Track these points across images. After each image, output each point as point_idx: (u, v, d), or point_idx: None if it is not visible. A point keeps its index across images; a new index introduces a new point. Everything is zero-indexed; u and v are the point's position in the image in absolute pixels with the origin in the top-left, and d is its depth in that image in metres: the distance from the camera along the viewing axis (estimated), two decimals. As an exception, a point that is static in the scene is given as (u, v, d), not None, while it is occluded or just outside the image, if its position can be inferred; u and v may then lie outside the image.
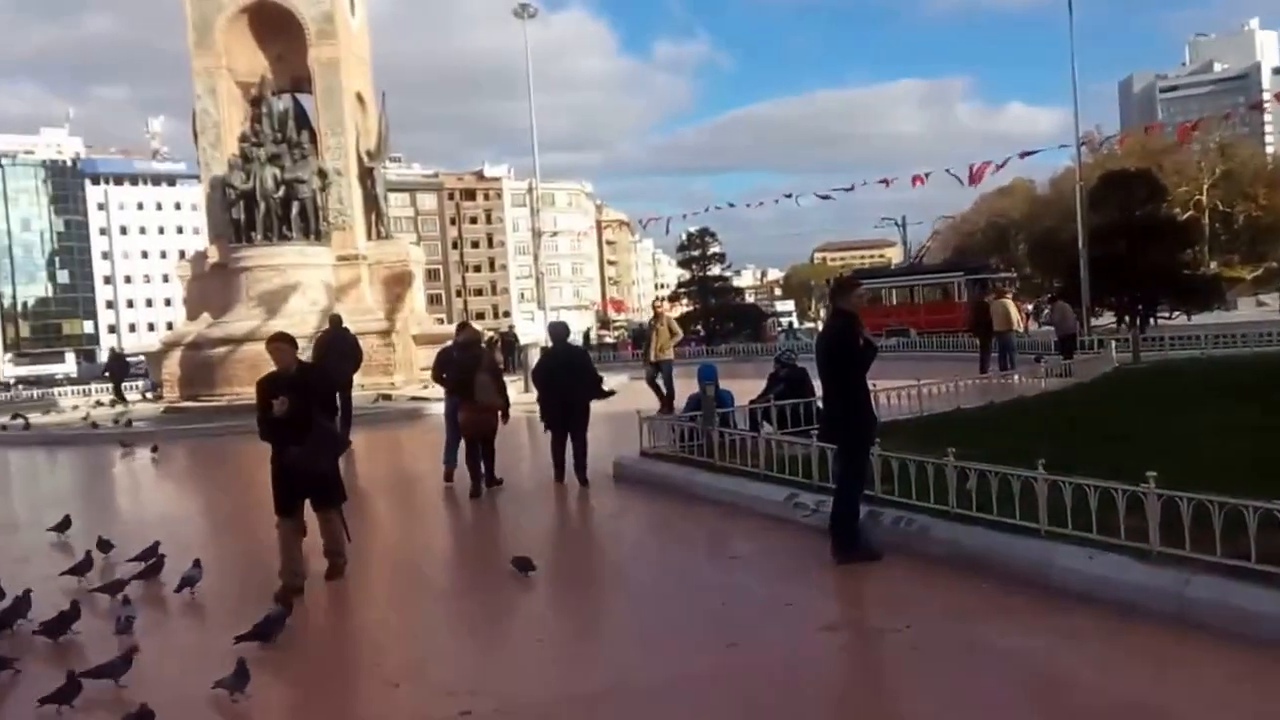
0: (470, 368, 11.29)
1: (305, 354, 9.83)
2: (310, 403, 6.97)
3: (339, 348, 16.71)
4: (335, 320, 17.76)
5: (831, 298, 7.98)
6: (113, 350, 43.83)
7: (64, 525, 9.46)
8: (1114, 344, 22.62)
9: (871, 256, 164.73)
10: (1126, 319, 39.87)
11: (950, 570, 6.66)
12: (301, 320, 25.43)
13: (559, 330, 12.65)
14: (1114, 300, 40.69)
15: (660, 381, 17.85)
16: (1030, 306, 51.34)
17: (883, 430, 9.60)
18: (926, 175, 30.89)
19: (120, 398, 30.58)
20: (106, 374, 35.28)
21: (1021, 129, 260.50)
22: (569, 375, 11.47)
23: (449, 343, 13.22)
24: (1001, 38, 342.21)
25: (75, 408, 29.27)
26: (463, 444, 11.44)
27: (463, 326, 13.42)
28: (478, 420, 11.06)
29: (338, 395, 16.79)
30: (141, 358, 41.54)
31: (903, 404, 13.22)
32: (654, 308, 23.29)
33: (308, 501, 7.19)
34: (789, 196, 30.01)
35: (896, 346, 32.21)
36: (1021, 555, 6.40)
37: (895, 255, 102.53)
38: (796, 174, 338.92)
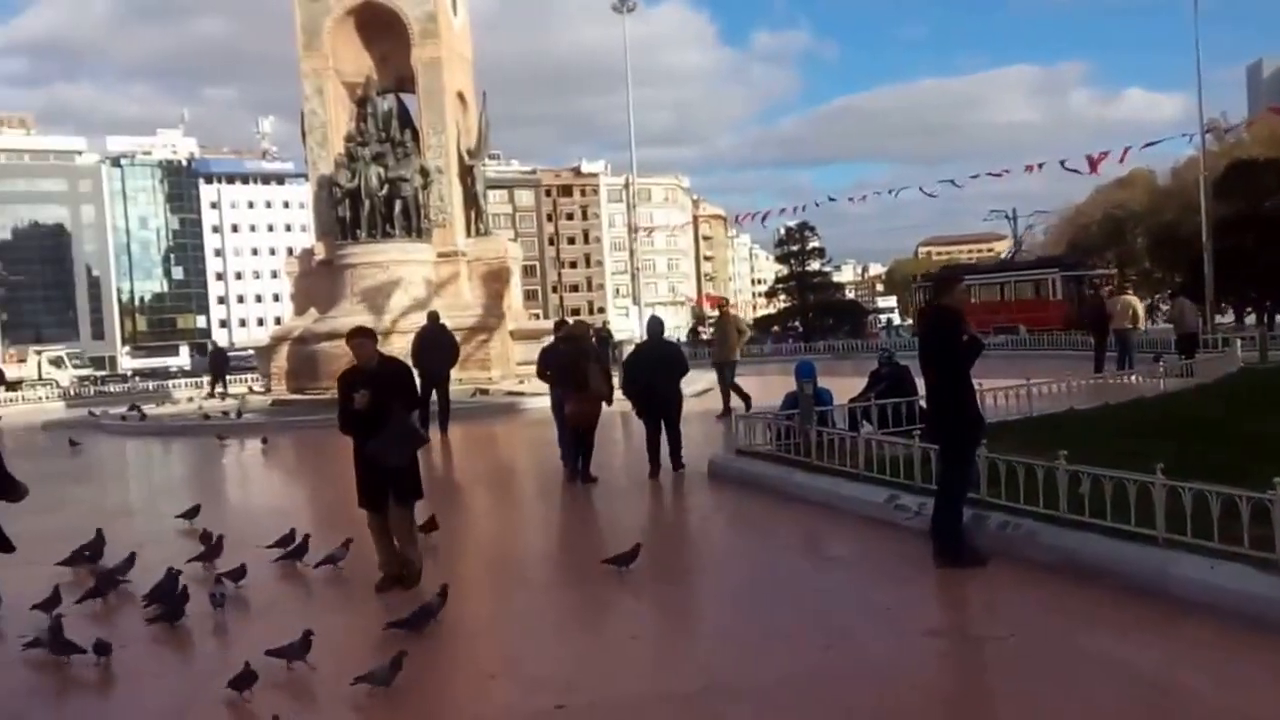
0: (578, 360, 11.61)
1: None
2: (389, 397, 6.91)
3: (436, 343, 17.12)
4: (433, 316, 18.45)
5: (934, 293, 7.73)
6: (212, 345, 45.27)
7: (192, 513, 9.64)
8: (1239, 343, 21.66)
9: (979, 251, 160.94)
10: (1252, 316, 38.22)
11: (1059, 577, 6.42)
12: (403, 315, 25.97)
13: (655, 326, 12.81)
14: (1239, 297, 39.02)
15: (732, 382, 17.35)
16: (1144, 303, 49.54)
17: (990, 431, 9.33)
18: (1040, 165, 29.64)
19: (217, 391, 31.41)
20: (208, 368, 36.37)
21: (1140, 116, 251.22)
22: (662, 368, 11.75)
23: (549, 339, 13.53)
24: (1120, 21, 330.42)
25: (190, 399, 30.29)
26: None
27: (560, 324, 13.86)
28: (584, 411, 11.39)
29: (435, 389, 17.27)
30: (250, 351, 42.84)
31: (1011, 404, 12.83)
32: (720, 308, 22.98)
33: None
34: (891, 192, 29.24)
35: (1005, 344, 31.47)
36: (1136, 563, 6.14)
37: (1004, 249, 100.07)
38: (900, 165, 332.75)
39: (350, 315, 25.94)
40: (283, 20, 29.32)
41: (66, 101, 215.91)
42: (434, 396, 17.44)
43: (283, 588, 7.41)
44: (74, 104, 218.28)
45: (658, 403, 11.60)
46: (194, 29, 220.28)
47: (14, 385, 45.54)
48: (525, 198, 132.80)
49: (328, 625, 5.76)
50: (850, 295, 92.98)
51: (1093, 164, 29.25)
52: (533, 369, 27.33)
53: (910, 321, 53.19)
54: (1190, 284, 33.78)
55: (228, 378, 33.68)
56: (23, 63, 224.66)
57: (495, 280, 28.60)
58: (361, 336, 7.23)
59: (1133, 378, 16.59)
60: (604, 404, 11.60)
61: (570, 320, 14.33)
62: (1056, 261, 47.48)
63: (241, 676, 4.89)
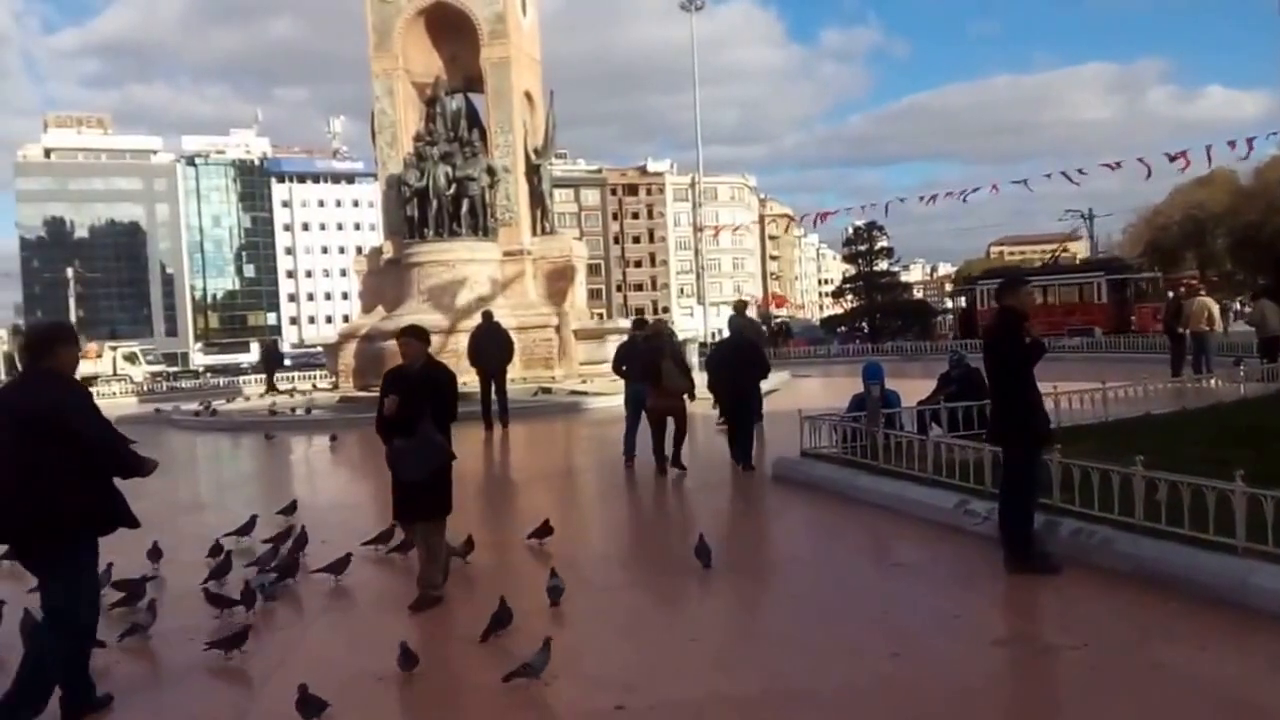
0: (656, 356, 12.09)
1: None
2: (422, 404, 6.51)
3: (493, 340, 17.48)
4: (487, 315, 18.72)
5: (998, 295, 7.56)
6: (266, 342, 46.07)
7: (290, 509, 9.56)
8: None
9: (1054, 251, 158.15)
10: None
11: (1134, 586, 6.25)
12: (468, 314, 26.20)
13: (737, 323, 13.97)
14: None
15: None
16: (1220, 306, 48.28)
17: (1064, 435, 9.26)
18: (1118, 164, 28.74)
19: (272, 388, 31.84)
20: (264, 365, 36.89)
21: (1220, 115, 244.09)
22: (744, 367, 12.24)
23: (624, 337, 13.75)
24: (1200, 17, 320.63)
25: (262, 395, 30.86)
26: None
27: (641, 322, 14.58)
28: (665, 404, 11.82)
29: (493, 385, 17.45)
30: (319, 348, 43.49)
31: (1086, 408, 12.53)
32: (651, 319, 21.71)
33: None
34: (962, 193, 28.72)
35: (1080, 346, 30.90)
36: (1215, 573, 5.94)
37: (1080, 250, 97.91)
38: (971, 164, 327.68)
39: (416, 314, 26.21)
40: (353, 21, 29.80)
41: (140, 102, 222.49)
42: (493, 394, 17.67)
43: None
44: (147, 104, 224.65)
45: (739, 399, 12.03)
46: (265, 30, 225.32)
47: (89, 380, 46.89)
48: (591, 197, 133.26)
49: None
50: (919, 295, 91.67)
51: (1181, 157, 28.13)
52: (596, 368, 27.60)
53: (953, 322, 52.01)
54: (1274, 286, 32.73)
55: (278, 374, 34.08)
56: (98, 64, 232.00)
57: (560, 279, 28.71)
58: (410, 336, 6.90)
59: (1211, 382, 16.12)
60: (686, 398, 12.03)
61: (650, 319, 15.21)
62: (1103, 265, 47.53)
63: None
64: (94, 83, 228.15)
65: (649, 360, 12.20)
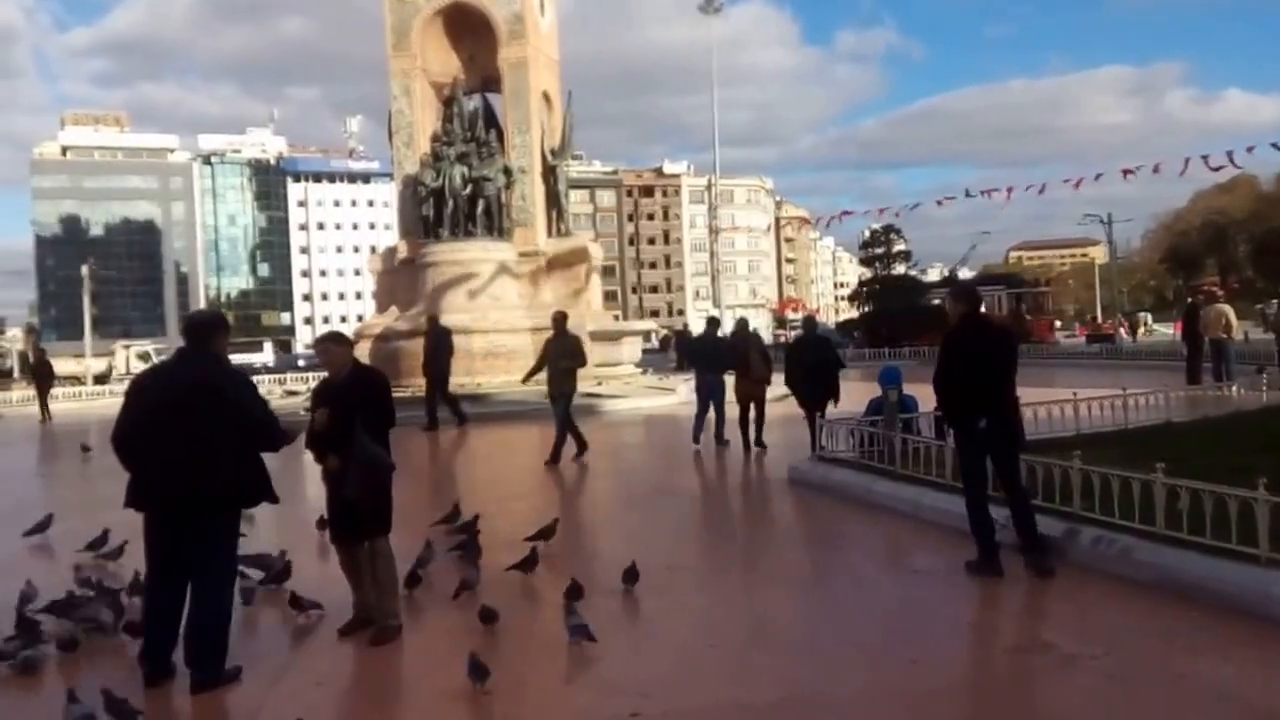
0: (744, 349, 14.00)
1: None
2: (353, 415, 5.94)
3: (441, 345, 18.82)
4: (433, 320, 19.83)
5: (972, 307, 7.65)
6: (276, 344, 46.42)
7: (453, 517, 8.88)
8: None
9: (1072, 256, 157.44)
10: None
11: (1154, 595, 6.18)
12: (482, 315, 26.21)
13: (811, 323, 15.47)
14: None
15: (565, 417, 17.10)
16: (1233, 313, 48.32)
17: (1084, 443, 9.40)
18: (1138, 168, 28.57)
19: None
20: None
21: (1240, 119, 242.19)
22: (819, 362, 13.02)
23: (691, 334, 15.01)
24: (1219, 20, 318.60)
25: (271, 394, 30.90)
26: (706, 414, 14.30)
27: (713, 320, 16.12)
28: (749, 391, 13.74)
29: (440, 391, 17.61)
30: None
31: (1106, 415, 12.44)
32: (555, 320, 20.07)
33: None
34: (983, 193, 28.53)
35: (1099, 353, 30.85)
36: (1237, 583, 5.87)
37: (1099, 255, 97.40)
38: (987, 168, 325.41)
39: (430, 314, 26.28)
40: (365, 20, 30.04)
41: (151, 100, 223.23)
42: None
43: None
44: (158, 103, 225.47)
45: (814, 391, 12.70)
46: (276, 28, 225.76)
47: (101, 379, 47.16)
48: (606, 198, 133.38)
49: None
50: (937, 300, 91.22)
51: (1199, 162, 27.67)
52: (611, 370, 27.59)
53: None
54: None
55: (291, 375, 34.14)
56: (108, 62, 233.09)
57: (575, 280, 28.70)
58: (329, 342, 6.37)
59: (1233, 389, 15.98)
60: (766, 386, 13.86)
61: (735, 318, 17.07)
62: (1003, 279, 54.27)
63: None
64: (105, 81, 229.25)
65: (738, 352, 14.06)
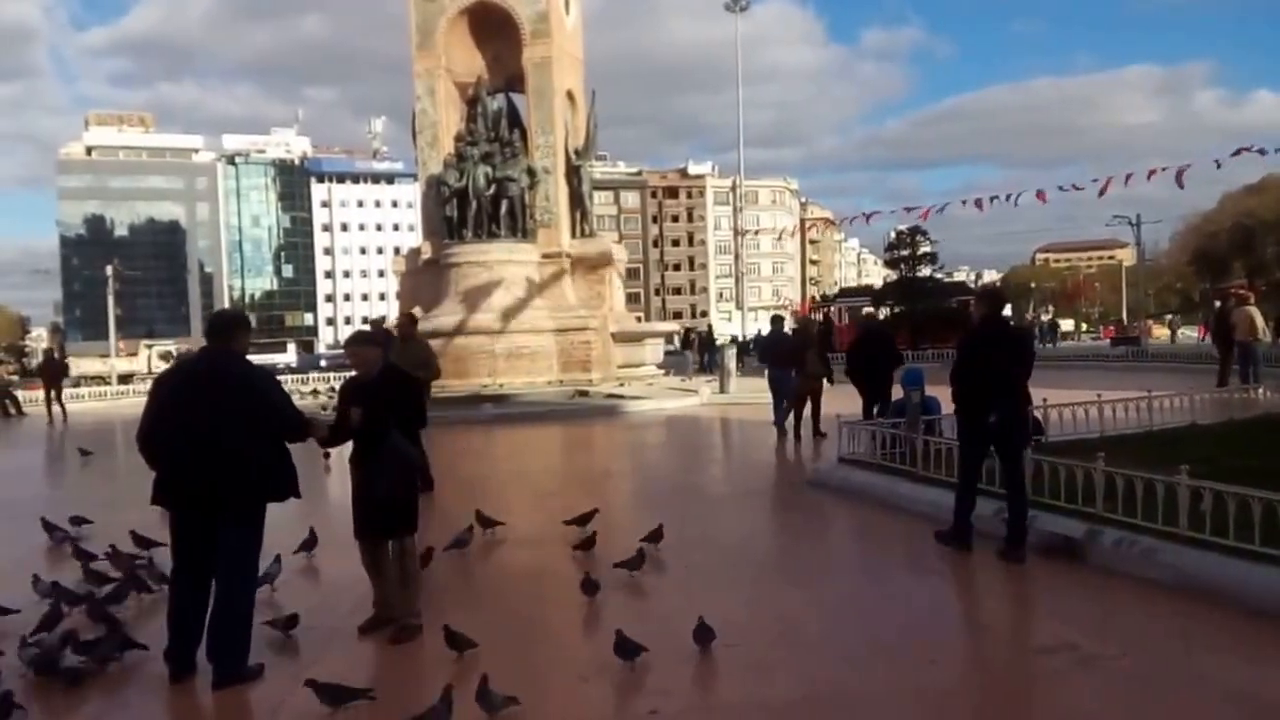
0: (802, 347, 15.30)
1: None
2: (384, 415, 6.04)
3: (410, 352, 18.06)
4: (377, 322, 19.90)
5: (996, 308, 8.37)
6: (299, 344, 46.69)
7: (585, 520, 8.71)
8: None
9: (1100, 258, 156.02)
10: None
11: (1177, 597, 6.16)
12: (506, 316, 26.29)
13: (872, 321, 17.39)
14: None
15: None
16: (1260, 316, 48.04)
17: (1107, 444, 9.38)
18: (1163, 169, 28.38)
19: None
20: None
21: (1270, 119, 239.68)
22: (881, 355, 13.79)
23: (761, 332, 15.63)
24: (1248, 19, 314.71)
25: (296, 394, 31.09)
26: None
27: (777, 319, 17.31)
28: (807, 386, 14.95)
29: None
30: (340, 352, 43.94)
31: (1131, 417, 12.37)
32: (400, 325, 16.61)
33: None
34: (1009, 198, 28.33)
35: (1125, 355, 30.64)
36: (1261, 585, 5.84)
37: (1127, 257, 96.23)
38: (1013, 169, 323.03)
39: (454, 315, 26.40)
40: (387, 19, 30.42)
41: (171, 100, 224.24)
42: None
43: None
44: (178, 103, 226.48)
45: (875, 384, 13.53)
46: (295, 28, 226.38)
47: (126, 378, 47.60)
48: (631, 199, 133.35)
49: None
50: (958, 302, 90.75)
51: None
52: (634, 371, 27.63)
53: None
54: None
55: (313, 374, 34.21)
56: (127, 62, 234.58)
57: (598, 282, 28.71)
58: (359, 344, 6.46)
59: (1259, 392, 15.83)
60: (825, 381, 15.01)
61: (784, 316, 18.72)
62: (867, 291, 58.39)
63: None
64: (124, 81, 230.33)
65: (796, 349, 15.31)
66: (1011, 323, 8.87)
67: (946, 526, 7.82)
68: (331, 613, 6.63)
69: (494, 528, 8.72)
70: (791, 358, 15.29)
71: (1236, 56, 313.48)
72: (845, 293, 68.33)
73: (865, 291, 64.22)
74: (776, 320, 17.27)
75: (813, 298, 57.77)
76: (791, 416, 15.20)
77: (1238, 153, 23.47)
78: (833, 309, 53.19)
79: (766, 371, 16.50)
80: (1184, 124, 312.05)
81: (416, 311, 28.29)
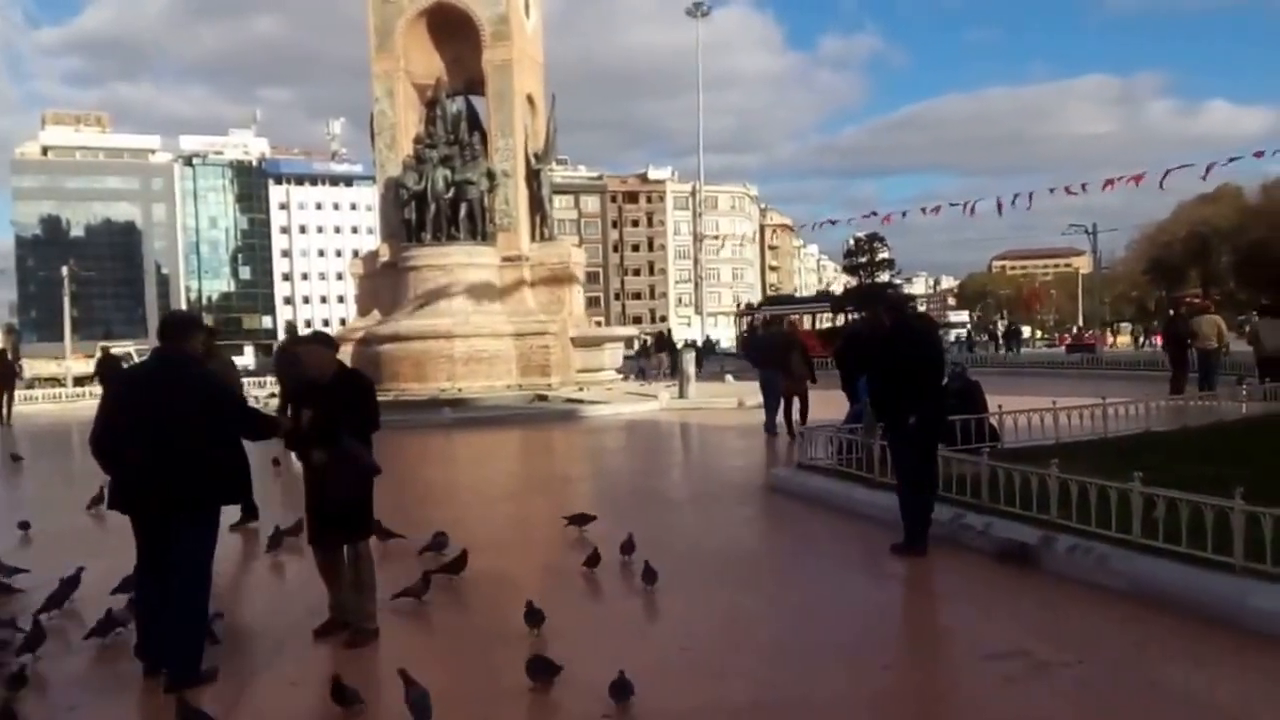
0: (787, 350, 16.10)
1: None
2: (340, 415, 5.93)
3: (293, 361, 18.05)
4: (292, 329, 20.19)
5: (899, 312, 8.69)
6: (257, 347, 45.98)
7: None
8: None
9: (1056, 266, 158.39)
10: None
11: (1130, 604, 6.19)
12: (464, 320, 26.13)
13: (856, 328, 17.26)
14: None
15: None
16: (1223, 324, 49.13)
17: (1063, 451, 9.53)
18: (1119, 179, 28.93)
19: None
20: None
21: (1223, 130, 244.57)
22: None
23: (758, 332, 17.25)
24: (1200, 30, 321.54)
25: (256, 399, 30.70)
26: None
27: (769, 323, 18.21)
28: (792, 387, 15.84)
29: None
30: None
31: (1086, 424, 12.48)
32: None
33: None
34: (966, 205, 28.60)
35: (1080, 363, 31.04)
36: (1212, 592, 5.89)
37: (1083, 265, 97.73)
38: (969, 177, 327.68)
39: (413, 318, 26.22)
40: (343, 20, 30.10)
41: (125, 100, 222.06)
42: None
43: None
44: (132, 103, 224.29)
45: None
46: (250, 28, 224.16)
47: (80, 380, 46.69)
48: (591, 203, 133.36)
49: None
50: (921, 309, 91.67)
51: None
52: (594, 376, 27.58)
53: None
54: (1277, 304, 32.85)
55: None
56: (81, 61, 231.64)
57: (558, 286, 28.65)
58: (315, 343, 6.35)
59: (1214, 400, 16.05)
60: (809, 382, 15.88)
61: (776, 320, 18.85)
62: (826, 297, 59.22)
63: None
64: (78, 80, 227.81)
65: (782, 352, 16.02)
66: (919, 325, 9.20)
67: (900, 538, 7.88)
68: (286, 615, 6.55)
69: (393, 539, 8.37)
70: (777, 359, 15.99)
71: (1189, 68, 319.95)
72: (769, 300, 71.70)
73: (825, 298, 66.06)
74: (770, 323, 18.28)
75: (736, 304, 58.01)
76: (781, 415, 15.77)
77: (1167, 173, 24.34)
78: (756, 316, 55.00)
79: (759, 373, 17.07)
80: (1138, 134, 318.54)
81: (376, 314, 28.04)
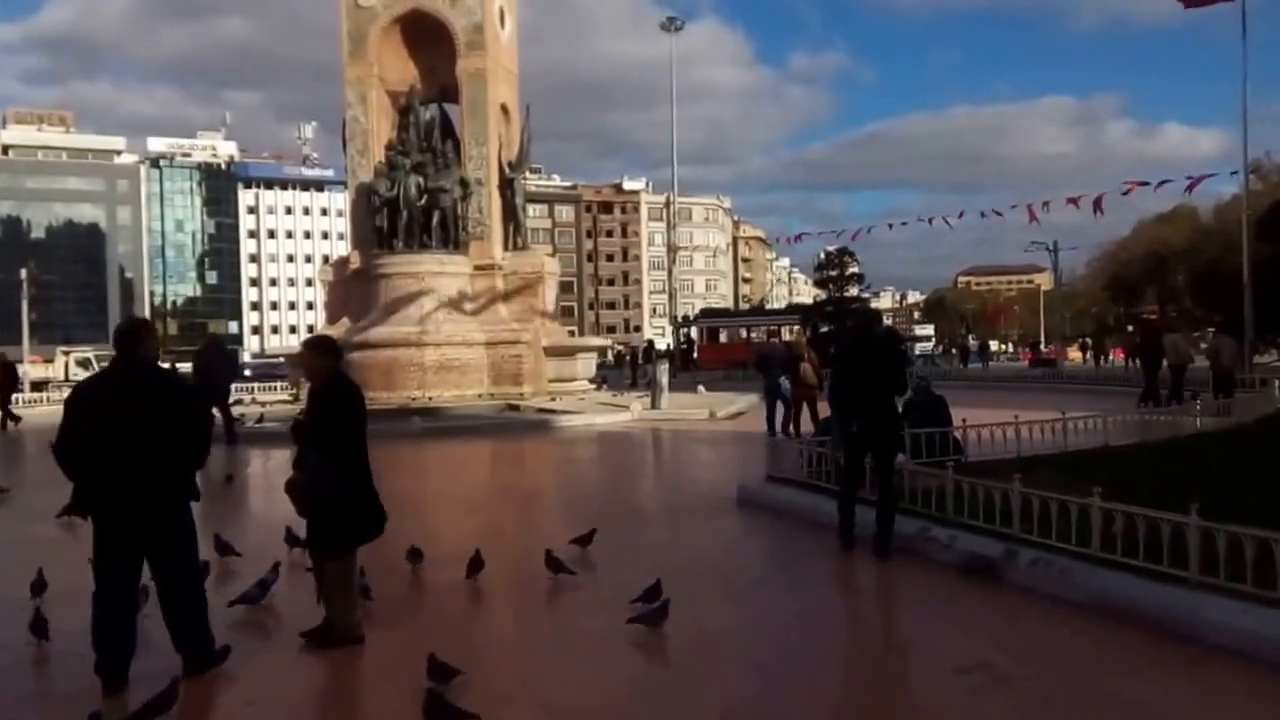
0: (796, 359, 17.00)
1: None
2: (310, 426, 6.02)
3: (217, 364, 18.91)
4: (212, 337, 20.73)
5: (867, 328, 9.13)
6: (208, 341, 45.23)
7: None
8: (1278, 383, 21.26)
9: (1019, 282, 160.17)
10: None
11: (1090, 617, 6.31)
12: (435, 328, 26.06)
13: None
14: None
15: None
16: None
17: (1023, 465, 9.65)
18: (1079, 199, 29.64)
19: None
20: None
21: (1178, 152, 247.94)
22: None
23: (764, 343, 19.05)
24: (1156, 53, 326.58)
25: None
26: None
27: (774, 334, 18.97)
28: (802, 392, 16.89)
29: (220, 407, 17.42)
30: (281, 359, 42.91)
31: (1046, 438, 12.66)
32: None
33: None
34: (930, 220, 29.00)
35: (1041, 377, 31.42)
36: (1168, 605, 6.01)
37: (1045, 281, 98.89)
38: (935, 193, 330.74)
39: (383, 325, 26.12)
40: (312, 24, 30.13)
41: (86, 100, 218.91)
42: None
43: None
44: (93, 102, 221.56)
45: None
46: (217, 30, 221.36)
47: (40, 385, 46.03)
48: (565, 213, 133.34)
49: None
50: (888, 322, 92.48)
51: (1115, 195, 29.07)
52: (566, 386, 27.58)
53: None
54: (1231, 323, 33.47)
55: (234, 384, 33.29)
56: (40, 59, 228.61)
57: (531, 295, 28.63)
58: (307, 349, 6.39)
59: (1170, 416, 16.31)
60: (817, 390, 16.35)
61: (793, 335, 19.66)
62: (796, 309, 62.72)
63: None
64: (36, 79, 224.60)
65: (791, 361, 17.08)
66: (881, 334, 9.59)
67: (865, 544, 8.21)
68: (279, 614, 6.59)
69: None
70: (783, 368, 17.20)
71: (1146, 90, 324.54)
72: (706, 313, 73.39)
73: (795, 310, 67.10)
74: (776, 333, 19.36)
75: (673, 317, 58.03)
76: (781, 420, 17.00)
77: (1128, 190, 25.32)
78: (694, 329, 56.46)
79: (764, 382, 18.22)
80: (1097, 154, 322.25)
81: (345, 321, 27.93)
